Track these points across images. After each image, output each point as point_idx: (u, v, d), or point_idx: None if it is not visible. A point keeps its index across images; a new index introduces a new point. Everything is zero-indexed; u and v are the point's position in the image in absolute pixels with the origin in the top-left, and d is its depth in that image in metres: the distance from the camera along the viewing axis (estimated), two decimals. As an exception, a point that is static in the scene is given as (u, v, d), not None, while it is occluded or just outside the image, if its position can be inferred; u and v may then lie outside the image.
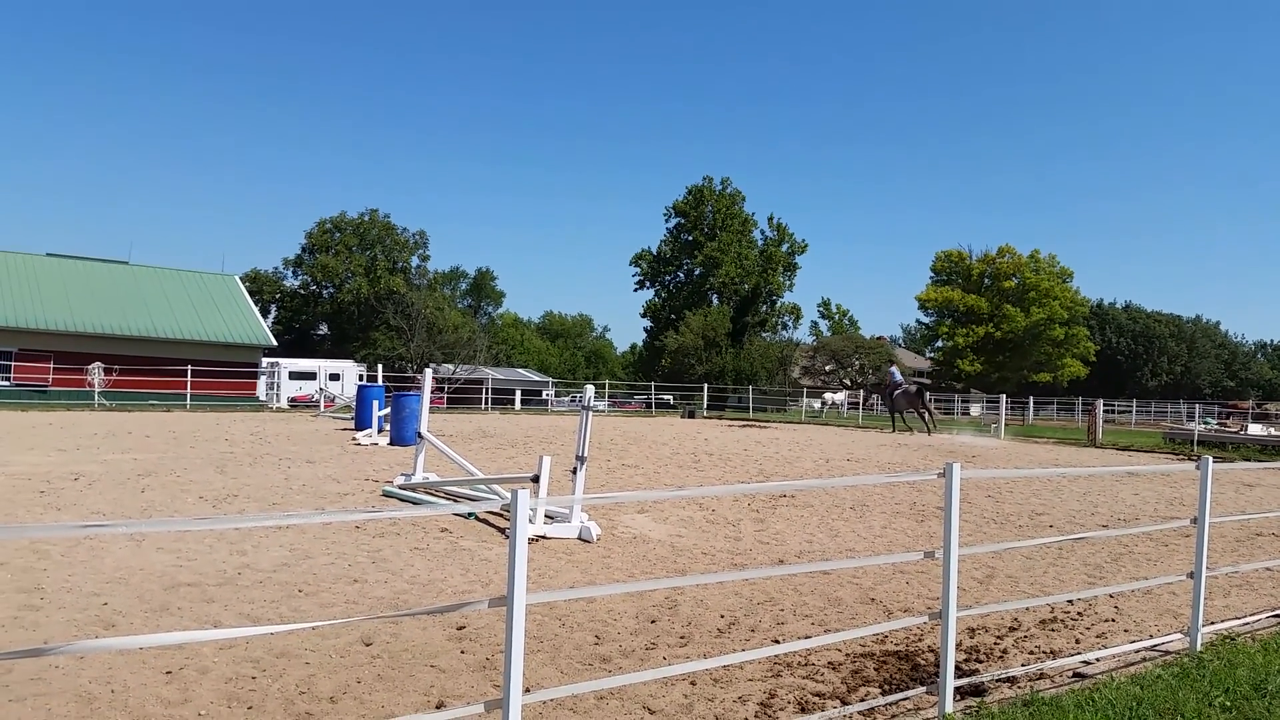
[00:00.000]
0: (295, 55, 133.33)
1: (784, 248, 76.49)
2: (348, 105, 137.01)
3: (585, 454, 9.78)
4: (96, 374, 33.85)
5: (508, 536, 9.02)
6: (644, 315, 78.58)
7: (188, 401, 33.95)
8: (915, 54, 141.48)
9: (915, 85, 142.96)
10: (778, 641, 6.01)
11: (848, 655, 5.77)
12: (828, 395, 51.82)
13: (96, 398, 32.81)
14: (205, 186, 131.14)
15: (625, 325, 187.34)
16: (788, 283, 77.06)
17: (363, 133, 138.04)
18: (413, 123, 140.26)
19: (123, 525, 3.39)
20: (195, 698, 4.56)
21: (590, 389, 10.25)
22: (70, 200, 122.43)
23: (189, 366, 35.41)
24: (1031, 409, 47.61)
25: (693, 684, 5.13)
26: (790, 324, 77.63)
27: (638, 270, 78.65)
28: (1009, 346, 70.31)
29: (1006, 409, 32.01)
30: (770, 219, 77.10)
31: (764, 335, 72.50)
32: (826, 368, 64.45)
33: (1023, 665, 5.63)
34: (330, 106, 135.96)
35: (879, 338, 75.09)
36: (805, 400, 47.89)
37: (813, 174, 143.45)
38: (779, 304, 77.20)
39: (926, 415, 30.13)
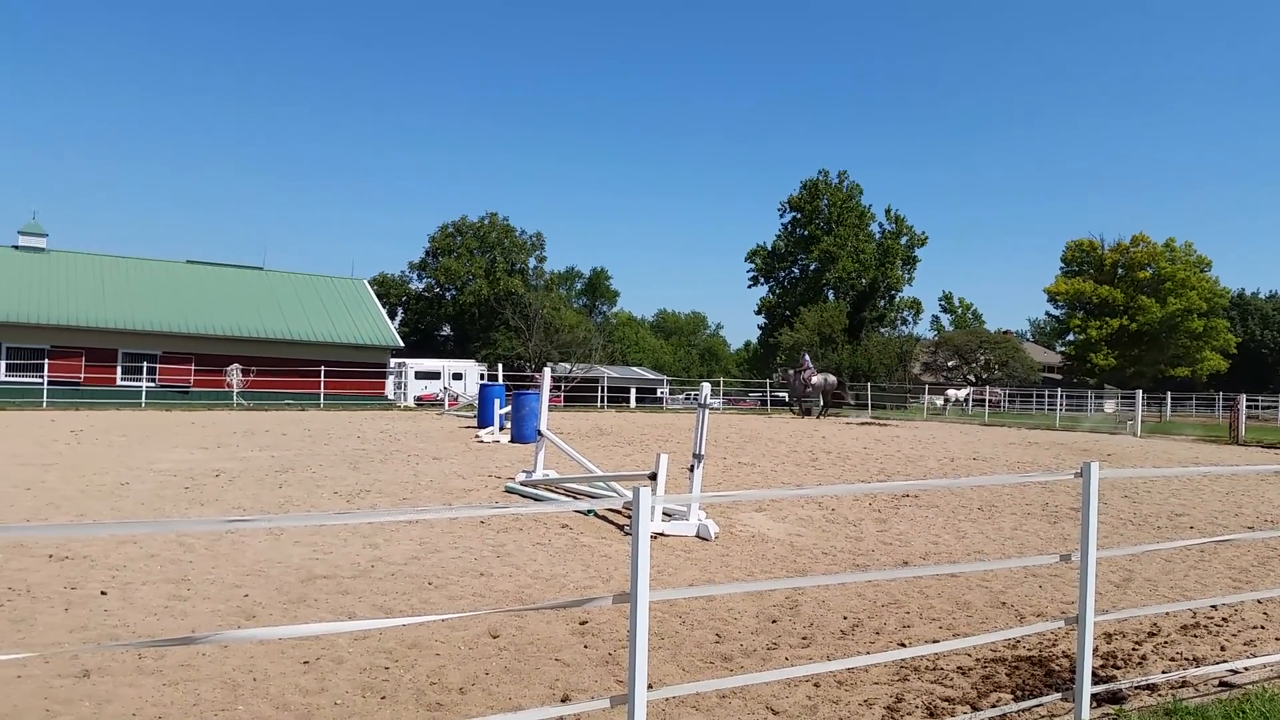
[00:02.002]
0: (419, 65, 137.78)
1: (903, 240, 74.75)
2: (468, 111, 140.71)
3: (703, 452, 9.77)
4: (235, 375, 35.66)
5: (626, 533, 9.10)
6: (758, 312, 78.14)
7: (321, 401, 35.46)
8: (1042, 38, 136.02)
9: (1042, 69, 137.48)
10: (904, 645, 5.87)
11: (978, 660, 5.58)
12: (950, 392, 50.32)
13: (235, 398, 34.59)
14: (335, 194, 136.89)
15: (739, 322, 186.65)
16: (907, 276, 75.31)
17: (483, 137, 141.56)
18: (530, 126, 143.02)
19: (263, 520, 3.55)
20: (331, 687, 4.74)
21: (707, 387, 10.22)
22: (208, 209, 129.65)
23: (322, 367, 36.99)
24: (1169, 405, 45.13)
25: (816, 685, 5.05)
26: (910, 319, 75.90)
27: (752, 266, 78.22)
28: (1144, 340, 66.89)
29: (1142, 405, 30.59)
30: (888, 211, 75.54)
31: (882, 331, 71.01)
32: (949, 364, 62.66)
33: (1163, 672, 5.34)
34: (451, 113, 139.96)
35: (1005, 332, 72.49)
36: (926, 397, 46.63)
37: (933, 164, 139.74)
38: (898, 298, 75.52)
39: (826, 406, 32.00)
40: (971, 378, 59.62)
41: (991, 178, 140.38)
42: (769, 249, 77.23)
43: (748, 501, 10.88)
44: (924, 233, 75.66)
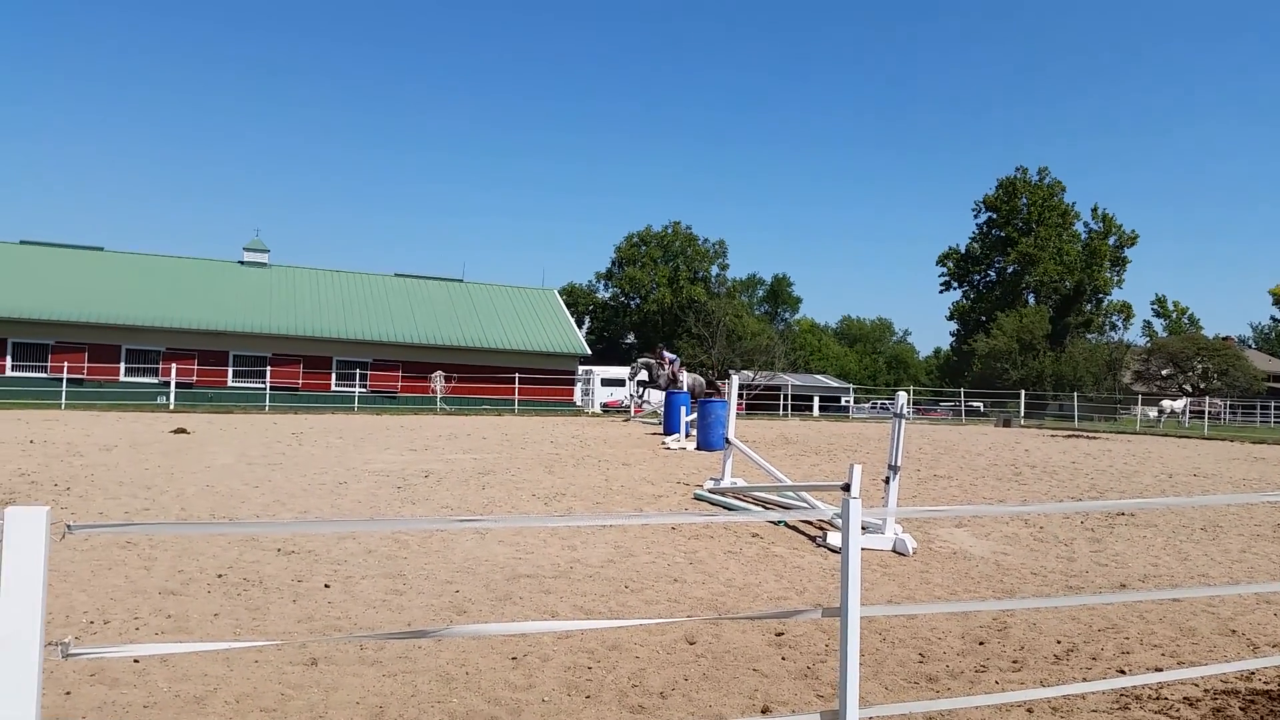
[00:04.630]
0: (604, 82, 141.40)
1: (1110, 240, 70.00)
2: (654, 122, 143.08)
3: (899, 463, 9.47)
4: (438, 382, 37.66)
5: (818, 545, 8.94)
6: (950, 317, 75.22)
7: (515, 406, 36.89)
8: (1262, 24, 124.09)
9: (1267, 54, 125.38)
10: (1123, 672, 5.48)
11: (1207, 691, 5.13)
12: (1165, 402, 46.65)
13: (438, 403, 36.51)
14: (528, 207, 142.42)
15: (929, 328, 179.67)
16: (1115, 279, 70.50)
17: (668, 147, 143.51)
18: (713, 134, 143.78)
19: (472, 521, 3.71)
20: (539, 684, 4.90)
21: (903, 396, 9.90)
22: (412, 221, 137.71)
23: (516, 374, 38.51)
24: None
25: (1029, 711, 4.78)
26: (1119, 324, 70.87)
27: (944, 270, 75.48)
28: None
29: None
30: (1094, 210, 70.99)
31: (1089, 337, 66.74)
32: (1163, 372, 58.09)
33: None
34: (638, 124, 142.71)
35: (1225, 338, 66.39)
36: (1139, 408, 43.36)
37: (1143, 161, 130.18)
38: (1105, 302, 70.80)
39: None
40: (1188, 387, 55.06)
41: (1208, 172, 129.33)
42: (962, 251, 74.21)
43: (946, 517, 10.46)
44: (1134, 231, 70.65)
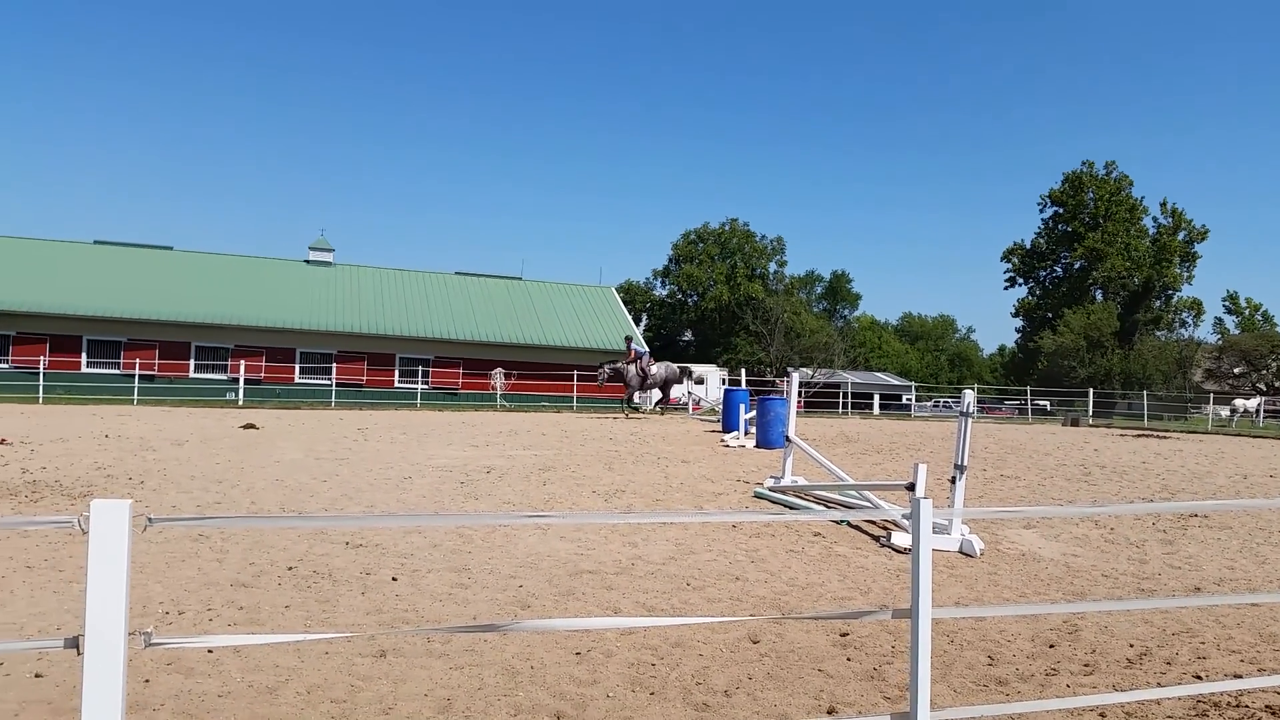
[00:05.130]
0: (662, 80, 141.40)
1: (1180, 235, 68.00)
2: (707, 118, 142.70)
3: (965, 462, 9.32)
4: (498, 379, 38.03)
5: (882, 545, 8.85)
6: (1015, 314, 73.81)
7: (574, 403, 37.09)
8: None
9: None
10: (1200, 678, 5.33)
11: (1293, 700, 4.96)
12: (1238, 401, 45.19)
13: (498, 399, 36.87)
14: (586, 206, 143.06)
15: (992, 325, 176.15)
16: (1186, 275, 68.43)
17: (724, 143, 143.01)
18: (770, 131, 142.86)
19: (535, 517, 3.74)
20: (603, 679, 4.92)
21: (970, 393, 9.72)
22: (471, 220, 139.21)
23: (574, 372, 38.73)
24: None
25: (1102, 716, 4.68)
26: (1190, 321, 68.77)
27: (1008, 266, 74.07)
28: None
29: None
30: (1164, 204, 68.94)
31: (1158, 334, 64.91)
32: (1235, 370, 56.28)
33: None
34: (691, 123, 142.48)
35: (1301, 335, 64.08)
36: (1211, 407, 42.08)
37: (1214, 157, 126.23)
38: (1175, 299, 68.79)
39: (664, 401, 29.19)
40: (1262, 386, 53.27)
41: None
42: (1027, 247, 72.71)
43: (1014, 518, 10.27)
44: (1204, 226, 68.48)
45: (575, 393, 38.02)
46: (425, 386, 39.69)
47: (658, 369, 29.18)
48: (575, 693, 4.73)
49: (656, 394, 31.12)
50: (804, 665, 5.33)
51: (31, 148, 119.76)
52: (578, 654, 5.28)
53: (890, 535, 8.91)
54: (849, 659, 5.48)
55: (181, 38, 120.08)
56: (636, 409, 29.70)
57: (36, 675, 4.68)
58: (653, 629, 5.68)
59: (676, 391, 43.55)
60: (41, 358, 35.19)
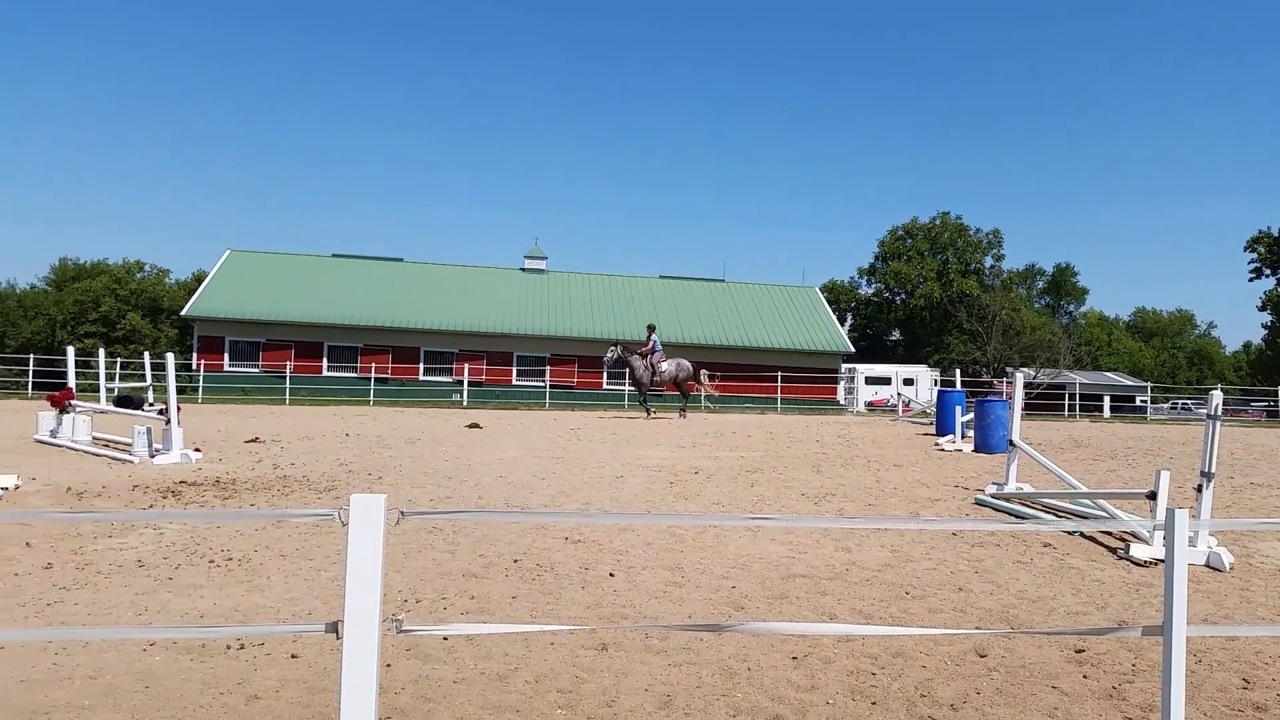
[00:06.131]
0: (864, 73, 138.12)
1: None
2: (913, 111, 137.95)
3: (1212, 469, 8.52)
4: (704, 380, 38.28)
5: (1120, 557, 8.23)
6: (1262, 308, 67.00)
7: (778, 405, 36.82)
8: None
9: None
10: None
11: None
12: None
13: (704, 401, 37.13)
14: (788, 207, 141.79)
15: (1237, 320, 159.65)
16: None
17: (929, 137, 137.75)
18: (982, 119, 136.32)
19: (748, 519, 3.72)
20: (822, 685, 4.85)
21: (1218, 395, 8.87)
22: (673, 226, 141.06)
23: (778, 373, 38.45)
24: None
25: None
26: None
27: (1254, 256, 67.24)
28: None
29: None
30: None
31: None
32: None
33: None
34: (895, 117, 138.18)
35: None
36: None
37: None
38: None
39: (687, 397, 27.33)
40: None
41: None
42: (1274, 235, 65.65)
43: (1270, 530, 9.28)
44: None
45: (779, 394, 37.71)
46: (632, 388, 40.55)
47: (668, 366, 27.46)
48: (793, 697, 4.68)
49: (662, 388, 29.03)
50: (1036, 681, 5.03)
51: (275, 170, 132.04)
52: (794, 658, 5.22)
53: (1129, 547, 8.28)
54: (1085, 676, 5.13)
55: (398, 65, 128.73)
56: (649, 410, 27.80)
57: (293, 656, 5.12)
58: (871, 637, 5.53)
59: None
60: (288, 362, 38.75)
